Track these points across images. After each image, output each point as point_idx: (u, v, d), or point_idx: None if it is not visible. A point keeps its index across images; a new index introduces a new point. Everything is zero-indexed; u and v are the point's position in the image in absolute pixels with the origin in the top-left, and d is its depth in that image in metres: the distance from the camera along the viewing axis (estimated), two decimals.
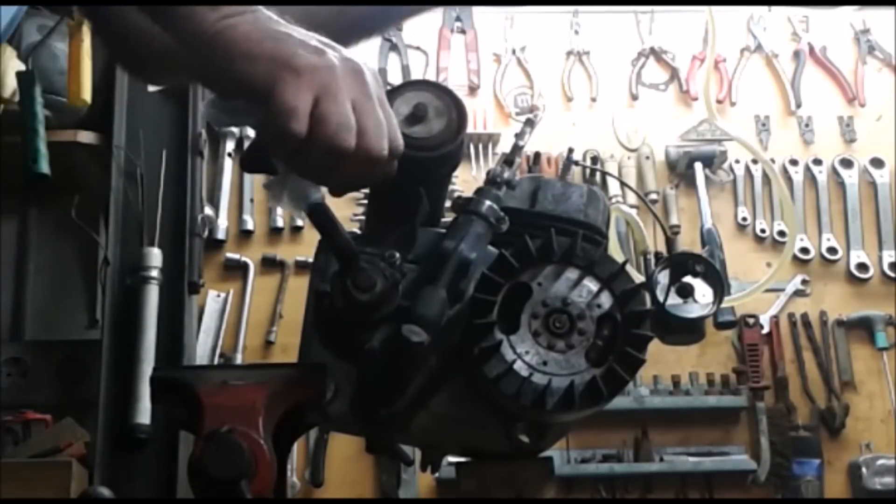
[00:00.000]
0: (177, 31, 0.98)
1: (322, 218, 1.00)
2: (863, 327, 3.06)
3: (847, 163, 3.22)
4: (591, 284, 1.04)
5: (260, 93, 0.93)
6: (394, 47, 3.22)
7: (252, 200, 3.04)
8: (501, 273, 1.04)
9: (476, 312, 1.02)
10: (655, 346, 1.08)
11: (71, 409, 2.76)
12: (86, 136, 2.85)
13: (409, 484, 2.81)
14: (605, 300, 1.04)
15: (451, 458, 1.28)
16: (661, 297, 1.26)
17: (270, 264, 2.99)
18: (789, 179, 3.18)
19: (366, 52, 3.12)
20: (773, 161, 3.13)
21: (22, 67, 2.65)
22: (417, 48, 3.25)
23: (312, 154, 0.95)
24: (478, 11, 3.28)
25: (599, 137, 3.16)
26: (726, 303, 1.35)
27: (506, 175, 1.10)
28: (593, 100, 3.24)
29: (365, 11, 1.32)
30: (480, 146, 3.11)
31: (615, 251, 1.52)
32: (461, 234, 1.05)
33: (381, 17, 1.38)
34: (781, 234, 3.09)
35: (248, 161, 1.07)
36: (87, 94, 2.70)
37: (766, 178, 3.13)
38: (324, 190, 1.01)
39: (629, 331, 1.02)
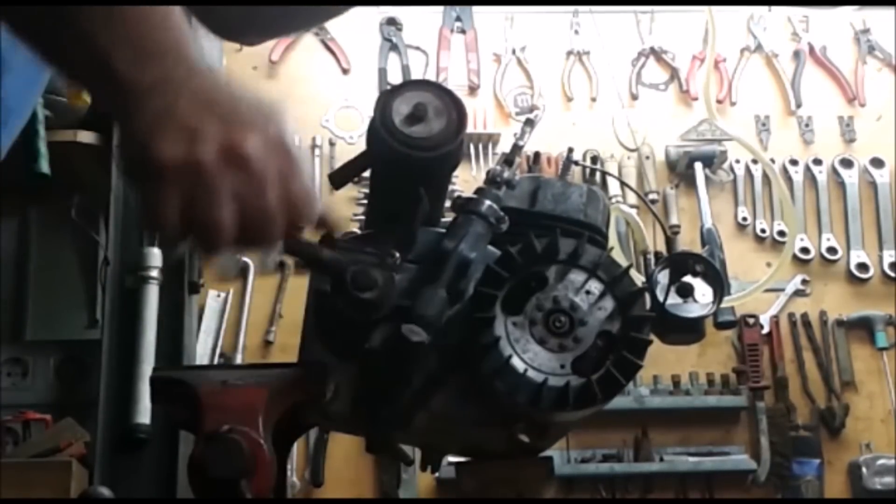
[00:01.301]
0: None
1: (299, 250, 1.01)
2: (863, 327, 3.06)
3: (847, 163, 3.22)
4: (594, 287, 1.04)
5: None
6: (394, 47, 3.22)
7: None
8: (506, 268, 1.04)
9: (477, 306, 1.02)
10: (655, 346, 1.08)
11: (71, 409, 2.76)
12: (86, 136, 2.85)
13: (409, 484, 2.81)
14: (608, 303, 1.04)
15: (451, 458, 1.28)
16: (661, 297, 1.26)
17: None
18: (789, 179, 3.17)
19: (366, 53, 3.19)
20: (773, 161, 3.13)
21: None
22: (417, 48, 3.25)
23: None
24: (478, 11, 3.28)
25: (599, 137, 3.16)
26: (726, 303, 1.35)
27: (506, 175, 1.10)
28: (593, 100, 3.24)
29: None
30: (480, 146, 3.11)
31: (615, 251, 1.52)
32: (461, 234, 1.05)
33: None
34: (781, 233, 3.09)
35: (338, 180, 1.11)
36: (87, 94, 2.70)
37: (766, 178, 3.13)
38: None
39: (629, 335, 1.02)
